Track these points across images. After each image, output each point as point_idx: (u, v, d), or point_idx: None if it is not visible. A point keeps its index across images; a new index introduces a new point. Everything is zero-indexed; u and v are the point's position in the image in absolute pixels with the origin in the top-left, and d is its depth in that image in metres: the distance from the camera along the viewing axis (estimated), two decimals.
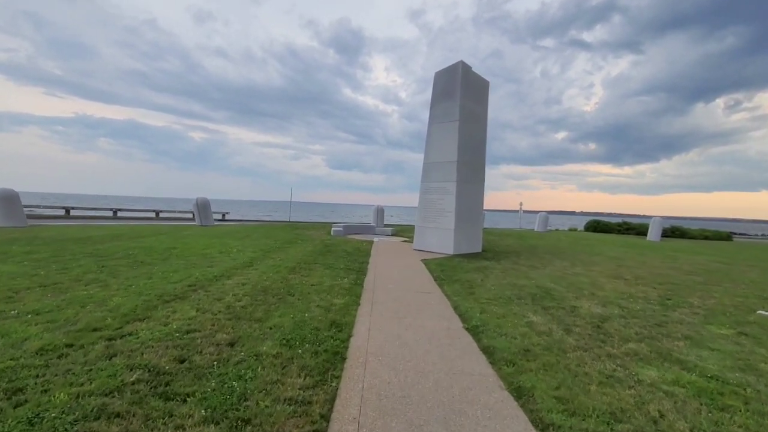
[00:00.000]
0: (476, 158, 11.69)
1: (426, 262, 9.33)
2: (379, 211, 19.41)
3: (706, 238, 25.25)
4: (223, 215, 37.61)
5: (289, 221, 37.42)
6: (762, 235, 45.14)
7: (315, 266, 7.86)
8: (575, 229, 29.00)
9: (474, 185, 11.62)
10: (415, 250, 11.78)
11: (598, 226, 26.82)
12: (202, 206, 15.99)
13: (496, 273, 8.12)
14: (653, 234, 22.49)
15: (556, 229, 27.59)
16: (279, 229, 16.00)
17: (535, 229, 24.20)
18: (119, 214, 33.00)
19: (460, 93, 10.92)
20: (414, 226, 24.10)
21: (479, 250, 11.94)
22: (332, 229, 15.18)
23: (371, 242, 13.22)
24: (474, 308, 5.21)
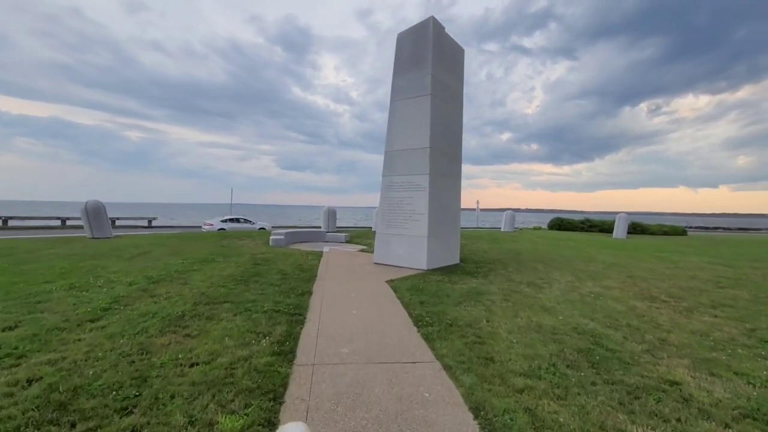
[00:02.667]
0: (452, 145, 9.22)
1: (395, 286, 6.64)
2: (330, 214, 16.47)
3: (665, 233, 25.19)
4: (149, 221, 32.48)
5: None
6: (715, 228, 48.20)
7: (221, 308, 4.85)
8: (539, 228, 27.99)
9: (450, 179, 9.14)
10: (377, 264, 9.06)
11: (562, 224, 25.96)
12: (94, 213, 12.09)
13: (498, 303, 5.62)
14: (619, 231, 21.70)
15: (521, 228, 26.33)
16: (202, 239, 12.53)
17: (502, 229, 22.59)
18: (11, 223, 26.95)
19: (432, 59, 8.36)
20: (371, 229, 21.75)
21: (457, 260, 9.48)
22: (271, 237, 12.03)
23: (320, 254, 10.31)
24: (517, 419, 2.57)
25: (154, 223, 31.97)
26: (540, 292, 6.52)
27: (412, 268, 8.44)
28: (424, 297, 5.83)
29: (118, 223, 29.86)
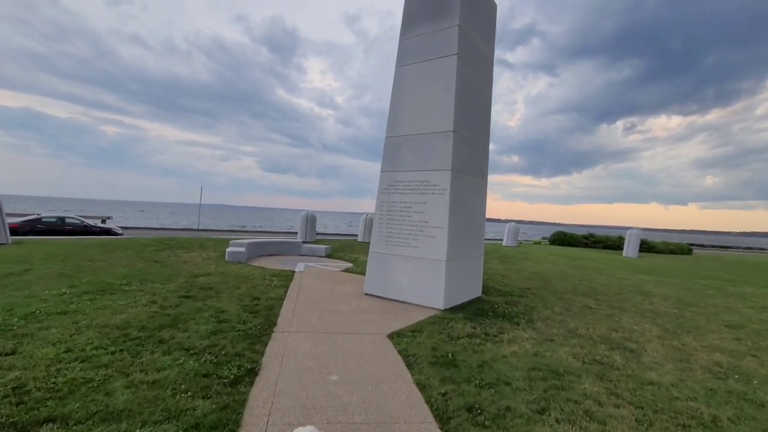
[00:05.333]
0: (481, 131, 6.66)
1: (405, 351, 3.93)
2: (309, 220, 13.65)
3: (672, 252, 23.44)
4: (103, 220, 28.67)
5: (198, 229, 29.71)
6: (720, 246, 47.67)
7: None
8: (540, 242, 25.83)
9: (477, 179, 6.55)
10: (369, 296, 6.36)
11: (565, 238, 23.86)
12: None
13: (604, 401, 3.01)
14: (630, 249, 19.67)
15: (523, 242, 24.08)
16: (133, 249, 9.44)
17: (505, 243, 20.21)
18: None
19: (460, 4, 5.81)
20: (357, 239, 18.68)
21: (479, 293, 6.87)
22: (227, 250, 9.12)
23: (291, 275, 7.51)
24: None
25: (108, 224, 28.18)
26: (638, 362, 3.98)
27: (421, 306, 5.77)
28: (468, 387, 3.15)
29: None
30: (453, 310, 5.68)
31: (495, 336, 4.60)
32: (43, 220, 15.09)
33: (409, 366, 3.56)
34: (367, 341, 4.19)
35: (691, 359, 4.21)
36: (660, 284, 9.64)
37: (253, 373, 3.18)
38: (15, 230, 13.79)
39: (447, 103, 5.75)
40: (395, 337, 4.37)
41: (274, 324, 4.52)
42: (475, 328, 4.85)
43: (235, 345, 3.69)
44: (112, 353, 3.30)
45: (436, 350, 3.96)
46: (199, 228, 29.26)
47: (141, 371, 3.01)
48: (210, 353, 3.44)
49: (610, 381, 3.45)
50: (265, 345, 3.82)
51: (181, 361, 3.24)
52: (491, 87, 6.91)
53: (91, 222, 17.19)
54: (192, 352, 3.45)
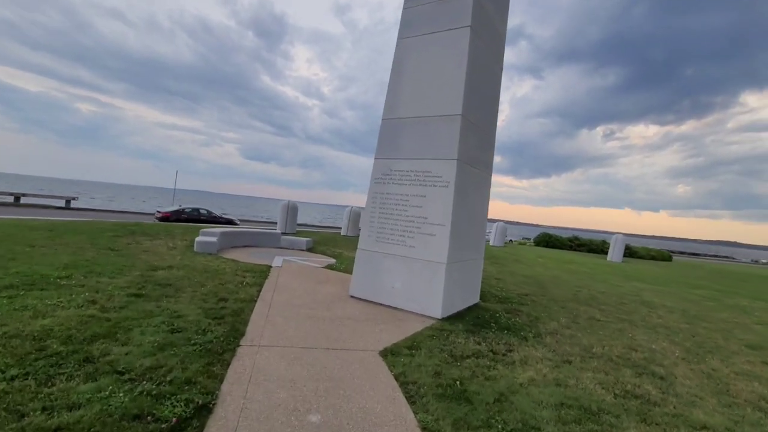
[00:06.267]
0: (488, 117, 5.94)
1: (404, 374, 3.20)
2: (291, 210, 12.73)
3: (653, 257, 23.63)
4: (68, 201, 26.71)
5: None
6: (689, 253, 48.93)
7: None
8: (525, 243, 25.61)
9: (481, 172, 5.84)
10: (355, 299, 5.59)
11: (550, 240, 23.68)
12: None
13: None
14: (615, 254, 19.60)
15: (510, 241, 23.74)
16: (87, 234, 8.28)
17: (491, 243, 19.78)
18: None
19: None
20: (340, 232, 17.77)
21: (477, 299, 6.20)
22: (197, 239, 8.14)
23: (266, 271, 6.65)
24: None
25: (74, 204, 26.28)
26: (675, 395, 3.39)
27: (415, 314, 5.05)
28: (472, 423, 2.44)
29: (24, 200, 24.07)
30: (451, 319, 4.98)
31: (504, 355, 3.92)
32: (186, 210, 18.30)
33: (410, 399, 2.82)
34: (356, 361, 3.42)
35: (731, 391, 3.64)
36: (658, 293, 9.26)
37: (205, 411, 2.37)
38: (167, 218, 16.71)
39: (456, 83, 4.99)
40: (389, 355, 3.62)
41: (242, 334, 3.69)
42: (479, 343, 4.16)
43: (186, 366, 2.86)
44: (11, 379, 2.42)
45: (440, 375, 3.24)
46: None
47: (43, 410, 2.15)
48: (150, 380, 2.61)
49: (657, 424, 2.80)
50: (227, 365, 3.00)
51: (107, 392, 2.39)
52: (501, 68, 6.19)
53: (176, 208, 18.72)
54: (126, 377, 2.61)
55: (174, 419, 2.20)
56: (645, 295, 8.81)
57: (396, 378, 3.15)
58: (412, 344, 3.93)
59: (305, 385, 2.87)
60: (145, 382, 2.56)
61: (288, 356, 3.34)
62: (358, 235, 5.91)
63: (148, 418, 2.21)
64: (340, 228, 16.81)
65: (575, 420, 2.73)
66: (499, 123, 6.64)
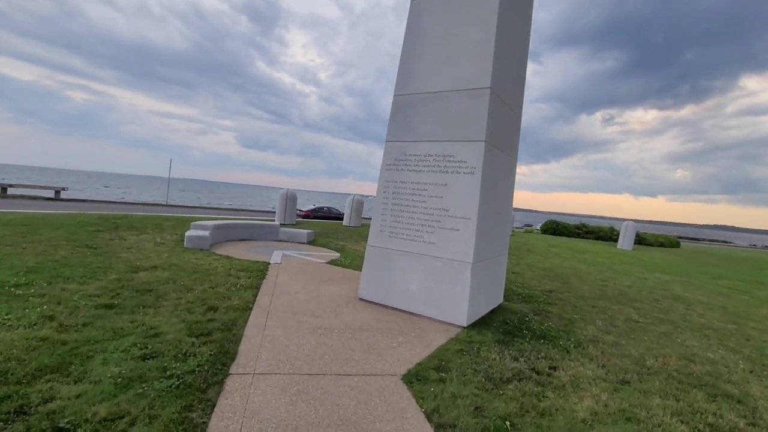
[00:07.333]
0: (517, 90, 5.15)
1: (432, 411, 2.52)
2: (290, 199, 11.97)
3: (662, 244, 23.06)
4: (57, 192, 25.81)
5: (167, 204, 27.24)
6: (688, 238, 48.55)
7: None
8: (531, 231, 24.99)
9: (509, 159, 5.10)
10: (363, 301, 4.91)
11: (557, 228, 23.03)
12: None
13: None
14: (626, 242, 18.98)
15: (517, 230, 23.13)
16: (63, 230, 7.51)
17: None
18: None
19: None
20: (342, 222, 16.91)
21: (501, 299, 5.52)
22: (187, 234, 7.42)
23: (264, 269, 5.95)
24: None
25: (64, 195, 25.40)
26: (766, 426, 2.72)
27: (435, 320, 4.37)
28: None
29: (11, 191, 23.20)
30: (477, 326, 4.31)
31: (549, 375, 3.26)
32: (324, 209, 20.85)
33: None
34: (375, 392, 2.74)
35: None
36: (685, 286, 8.63)
37: None
38: (307, 216, 18.70)
39: (484, 50, 4.20)
40: (414, 381, 2.95)
41: (233, 357, 3.01)
42: (517, 359, 3.49)
43: (156, 413, 2.17)
44: None
45: (482, 412, 2.56)
46: (168, 204, 26.90)
47: None
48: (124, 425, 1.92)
49: None
50: (211, 410, 2.31)
51: None
52: (530, 33, 5.37)
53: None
54: None
55: None
56: (674, 288, 8.17)
57: (428, 418, 2.47)
58: (439, 364, 3.26)
59: None
60: None
61: (290, 389, 2.66)
62: (361, 226, 5.19)
63: None
64: (342, 217, 16.06)
65: None
66: None
